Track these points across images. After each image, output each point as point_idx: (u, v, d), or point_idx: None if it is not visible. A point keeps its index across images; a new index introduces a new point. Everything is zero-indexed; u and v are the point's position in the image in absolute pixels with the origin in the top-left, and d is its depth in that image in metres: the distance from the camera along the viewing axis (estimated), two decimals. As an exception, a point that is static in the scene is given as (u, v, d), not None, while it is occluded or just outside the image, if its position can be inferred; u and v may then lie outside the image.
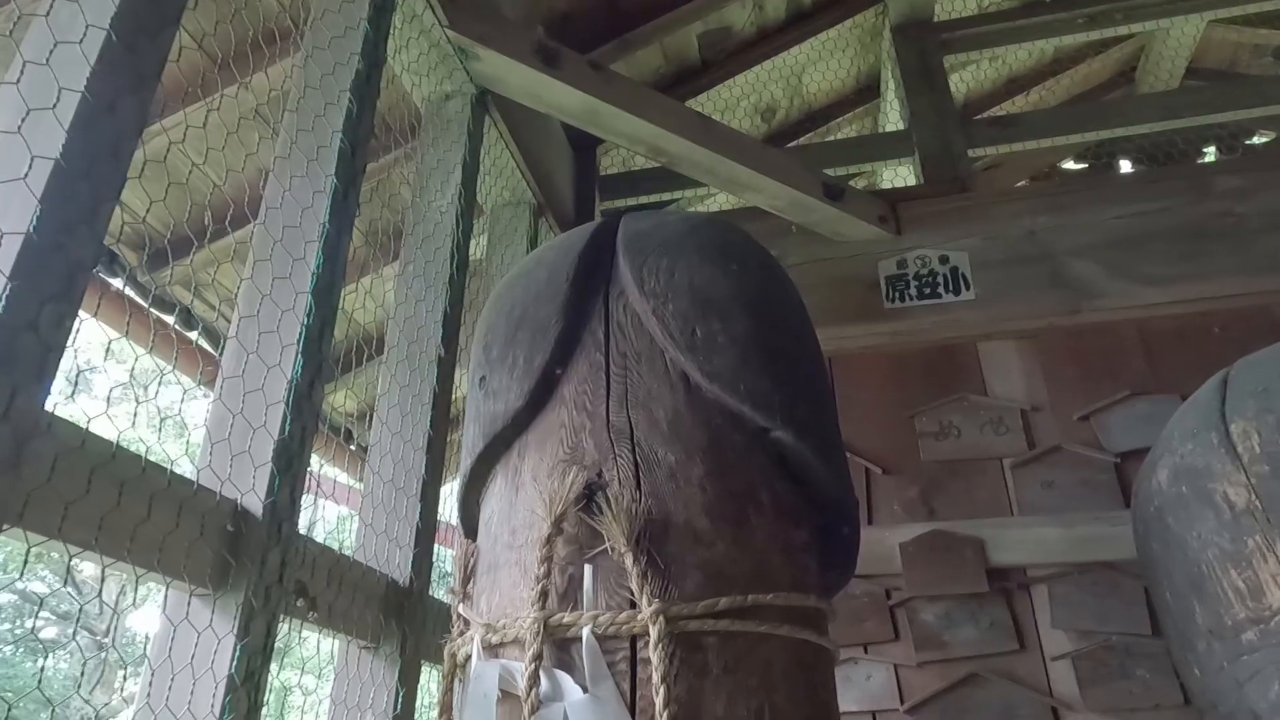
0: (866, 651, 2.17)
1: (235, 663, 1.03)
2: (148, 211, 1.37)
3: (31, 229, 0.82)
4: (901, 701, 2.10)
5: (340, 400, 3.54)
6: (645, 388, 1.19)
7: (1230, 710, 1.04)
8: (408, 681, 1.44)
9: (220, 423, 1.12)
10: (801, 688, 1.01)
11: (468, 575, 1.20)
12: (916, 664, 2.12)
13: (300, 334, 1.24)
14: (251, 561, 1.09)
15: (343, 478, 3.72)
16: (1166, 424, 1.29)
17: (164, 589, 1.00)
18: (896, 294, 2.50)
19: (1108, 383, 2.33)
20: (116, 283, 2.35)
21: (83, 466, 0.87)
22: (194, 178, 1.70)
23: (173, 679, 0.95)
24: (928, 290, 2.49)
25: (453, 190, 1.86)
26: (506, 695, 0.99)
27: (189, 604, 1.00)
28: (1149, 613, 2.04)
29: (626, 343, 1.24)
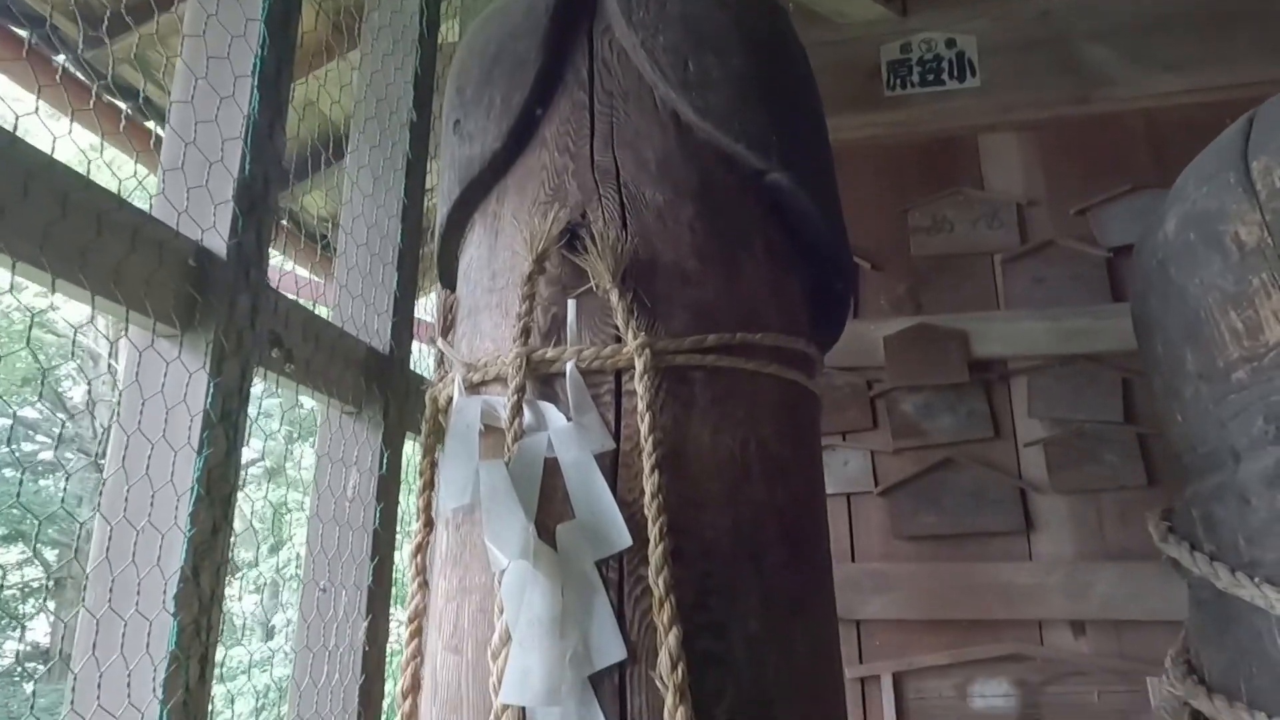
0: (845, 439, 2.22)
1: (210, 399, 1.00)
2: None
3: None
4: (876, 484, 2.17)
5: (313, 203, 3.40)
6: (632, 127, 1.10)
7: (1210, 451, 1.05)
8: (392, 444, 1.44)
9: (173, 151, 1.04)
10: (789, 426, 1.01)
11: (447, 326, 1.16)
12: (893, 450, 2.18)
13: (255, 66, 1.13)
14: (219, 302, 1.04)
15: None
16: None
17: (125, 321, 0.95)
18: (898, 80, 2.36)
19: (1109, 176, 2.25)
20: (59, 59, 2.16)
21: (15, 170, 0.79)
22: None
23: (144, 404, 0.93)
24: (931, 77, 2.35)
25: (419, -65, 1.67)
26: (490, 429, 0.98)
27: (154, 332, 0.95)
28: (1124, 401, 2.08)
29: (612, 80, 1.14)
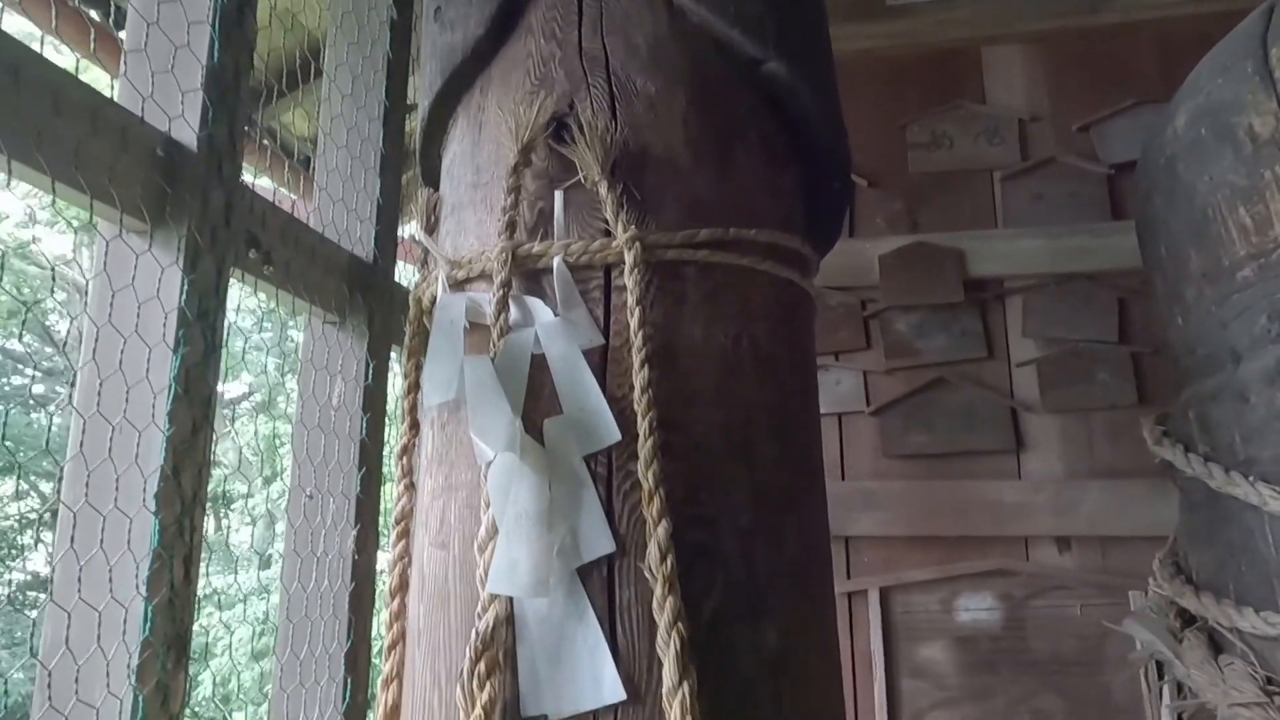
0: (837, 359, 2.20)
1: (185, 296, 0.96)
2: None
3: None
4: (868, 404, 2.16)
5: (292, 120, 3.30)
6: (622, 11, 1.04)
7: (1210, 353, 1.03)
8: (377, 355, 1.42)
9: (136, 31, 0.98)
10: (782, 325, 0.98)
11: (431, 226, 1.12)
12: (885, 370, 2.17)
13: (220, -56, 1.06)
14: (191, 196, 0.99)
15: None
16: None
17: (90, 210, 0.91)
18: (900, -12, 2.27)
19: (1115, 91, 2.19)
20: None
21: (-39, 38, 0.74)
22: None
23: (114, 297, 0.89)
24: (935, -16, 2.26)
25: None
26: (475, 327, 0.95)
27: (121, 225, 0.91)
28: (1119, 320, 2.07)
29: (601, -39, 1.07)
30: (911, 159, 2.26)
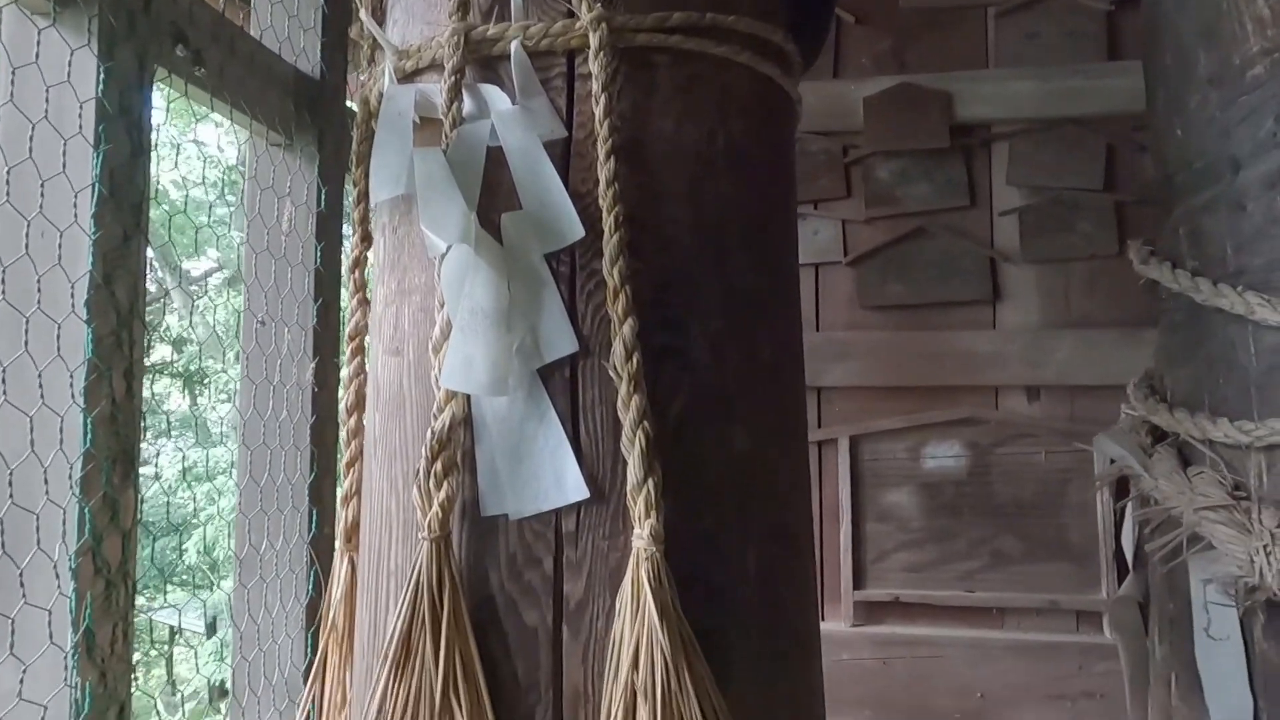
0: (816, 208, 2.14)
1: (103, 87, 0.87)
2: None
3: None
4: (845, 254, 2.11)
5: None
6: None
7: (1207, 164, 0.98)
8: (330, 180, 1.33)
9: None
10: (760, 124, 0.91)
11: (378, 18, 1.01)
12: (865, 219, 2.11)
13: None
14: (100, -29, 0.88)
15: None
16: None
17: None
18: None
19: (1123, -83, 2.04)
20: None
21: None
22: None
23: (14, 72, 0.80)
24: None
25: None
26: (426, 122, 0.87)
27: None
28: (1105, 168, 2.00)
29: None
30: (902, -9, 2.12)
